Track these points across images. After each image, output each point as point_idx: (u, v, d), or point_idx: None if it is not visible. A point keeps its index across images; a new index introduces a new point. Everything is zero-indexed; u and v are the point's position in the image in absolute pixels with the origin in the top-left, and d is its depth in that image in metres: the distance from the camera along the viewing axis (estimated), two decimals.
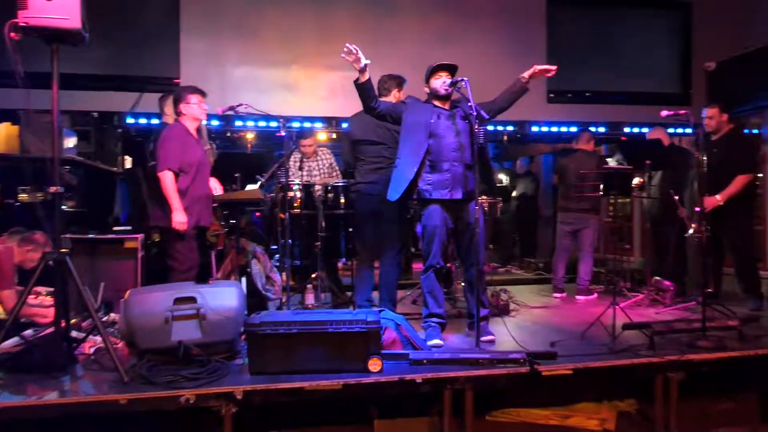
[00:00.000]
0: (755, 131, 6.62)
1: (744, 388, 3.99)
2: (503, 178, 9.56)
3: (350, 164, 4.99)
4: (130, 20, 6.13)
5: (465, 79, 3.84)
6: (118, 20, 6.00)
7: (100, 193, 5.96)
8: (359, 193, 4.72)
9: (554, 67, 4.05)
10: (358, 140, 4.75)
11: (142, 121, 6.17)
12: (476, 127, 3.77)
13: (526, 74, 4.09)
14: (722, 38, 6.83)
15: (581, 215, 5.93)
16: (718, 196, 4.96)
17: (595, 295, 5.94)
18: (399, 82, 4.68)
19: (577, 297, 5.87)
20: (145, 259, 4.80)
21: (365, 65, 3.83)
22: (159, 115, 5.40)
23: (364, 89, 3.95)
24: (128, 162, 6.92)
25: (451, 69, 4.11)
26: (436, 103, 4.12)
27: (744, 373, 3.94)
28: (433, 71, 4.11)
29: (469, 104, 3.77)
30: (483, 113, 3.74)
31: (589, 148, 6.10)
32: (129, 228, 5.60)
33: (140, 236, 4.71)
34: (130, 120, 6.16)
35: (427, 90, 4.19)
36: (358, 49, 3.77)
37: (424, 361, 3.43)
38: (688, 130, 7.03)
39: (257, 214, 7.00)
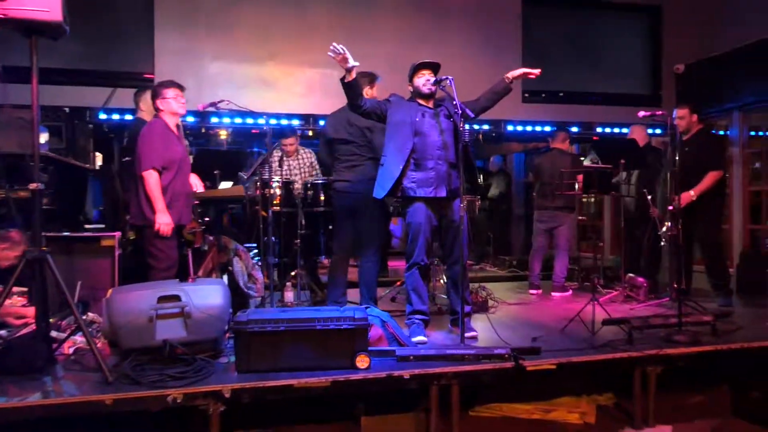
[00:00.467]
0: (722, 133, 6.82)
1: (716, 382, 4.13)
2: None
3: (326, 163, 5.01)
4: (103, 14, 6.03)
5: (450, 77, 3.87)
6: (91, 14, 5.88)
7: (72, 191, 5.82)
8: (335, 191, 4.75)
9: (538, 71, 4.11)
10: (332, 139, 4.79)
11: (115, 116, 6.07)
12: (461, 125, 3.80)
13: (510, 75, 4.14)
14: (691, 41, 7.02)
15: (556, 213, 6.03)
16: (691, 192, 5.08)
17: (570, 291, 6.05)
18: (371, 79, 4.70)
19: (553, 294, 5.97)
20: (122, 257, 4.71)
21: (353, 66, 3.83)
22: (133, 111, 5.32)
23: (351, 88, 3.95)
24: (99, 158, 6.80)
25: (434, 67, 4.15)
26: (420, 101, 4.15)
27: (717, 367, 4.07)
28: (415, 69, 4.14)
29: (454, 102, 3.80)
30: (468, 111, 3.78)
31: (565, 147, 6.20)
32: (102, 226, 5.50)
33: (117, 234, 4.63)
34: (102, 116, 6.05)
35: (411, 88, 4.21)
36: (345, 49, 3.77)
37: (411, 358, 3.45)
38: (658, 131, 7.20)
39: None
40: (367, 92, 4.63)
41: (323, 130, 5.06)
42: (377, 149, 4.45)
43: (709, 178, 5.11)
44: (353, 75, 3.89)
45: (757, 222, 6.62)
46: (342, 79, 3.92)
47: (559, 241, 6.07)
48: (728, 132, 6.83)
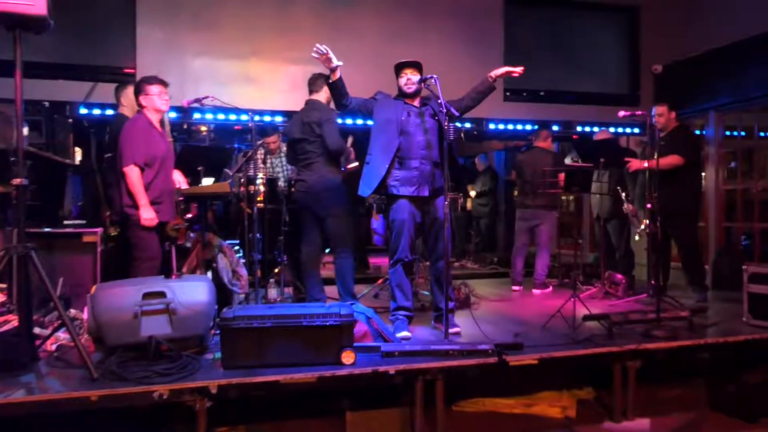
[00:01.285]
0: (698, 132, 6.95)
1: (693, 376, 4.22)
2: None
3: (291, 165, 5.08)
4: (84, 7, 5.94)
5: (434, 76, 3.90)
6: (72, 7, 5.79)
7: (51, 186, 5.76)
8: (297, 190, 4.81)
9: (521, 69, 4.16)
10: (289, 141, 4.87)
11: (96, 111, 5.98)
12: (446, 124, 3.83)
13: (493, 73, 4.19)
14: (669, 42, 7.13)
15: (538, 211, 6.11)
16: (645, 163, 5.12)
17: (551, 288, 6.13)
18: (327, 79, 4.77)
19: (534, 290, 6.05)
20: (103, 253, 4.68)
21: (336, 66, 3.85)
22: (113, 106, 5.27)
23: (335, 87, 3.98)
24: (79, 154, 6.72)
25: (418, 66, 4.18)
26: (406, 99, 4.18)
27: (693, 361, 4.17)
28: (398, 68, 4.17)
29: (439, 101, 3.84)
30: (453, 110, 3.82)
31: (547, 145, 6.28)
32: (83, 222, 5.43)
33: (99, 230, 4.59)
34: (83, 110, 5.97)
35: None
36: (328, 49, 3.78)
37: (396, 353, 3.49)
38: (636, 130, 7.32)
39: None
40: (327, 91, 4.65)
41: (285, 134, 5.18)
42: (329, 144, 4.52)
43: (671, 158, 5.14)
44: (337, 75, 3.91)
45: (731, 220, 6.77)
46: (326, 79, 3.93)
47: (541, 239, 6.15)
48: (704, 132, 6.97)
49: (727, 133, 6.89)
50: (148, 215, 3.92)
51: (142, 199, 3.93)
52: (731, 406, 4.05)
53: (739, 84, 6.36)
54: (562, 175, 5.35)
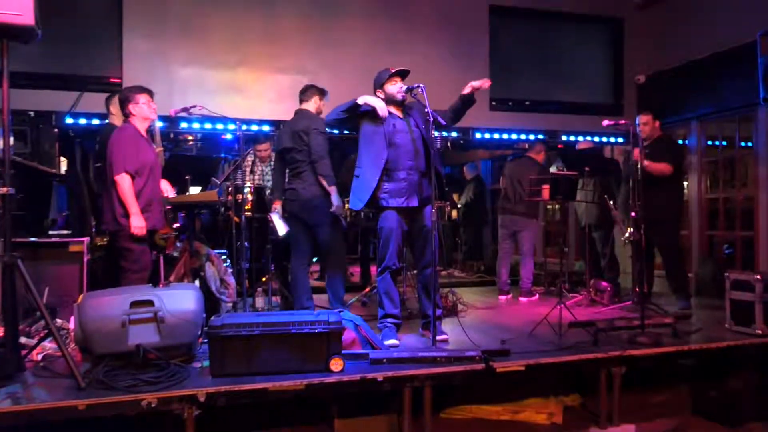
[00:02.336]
0: (681, 141, 7.06)
1: (677, 382, 4.28)
2: None
3: (273, 178, 5.11)
4: (70, 17, 5.93)
5: (422, 85, 3.94)
6: (57, 16, 5.78)
7: (36, 196, 5.73)
8: (286, 199, 4.84)
9: (488, 82, 4.19)
10: (279, 151, 4.90)
11: (82, 121, 5.96)
12: (432, 133, 3.87)
13: (464, 91, 4.20)
14: (652, 53, 7.26)
15: (517, 218, 6.19)
16: (645, 162, 5.14)
17: (537, 296, 6.18)
18: (321, 92, 4.90)
19: (521, 298, 6.10)
20: (90, 263, 4.66)
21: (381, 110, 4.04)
22: (99, 115, 5.27)
23: (357, 110, 4.11)
24: (64, 163, 6.69)
25: (404, 74, 4.23)
26: (392, 109, 4.21)
27: (677, 367, 4.23)
28: (389, 77, 4.20)
29: (426, 110, 3.88)
30: (440, 119, 3.86)
31: (539, 158, 6.36)
32: (68, 232, 5.41)
33: (86, 240, 4.58)
34: (69, 120, 5.95)
35: (381, 95, 4.26)
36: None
37: (384, 360, 3.50)
38: (620, 139, 7.41)
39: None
40: (316, 101, 4.83)
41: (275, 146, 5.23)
42: (312, 152, 4.56)
43: (661, 165, 5.20)
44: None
45: (714, 228, 6.86)
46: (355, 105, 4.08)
47: (523, 247, 6.21)
48: (687, 141, 7.07)
49: (709, 142, 7.00)
50: (138, 223, 3.92)
51: (133, 207, 3.94)
52: (714, 411, 4.12)
53: (719, 94, 6.48)
54: (546, 187, 5.41)
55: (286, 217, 4.80)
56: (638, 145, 4.66)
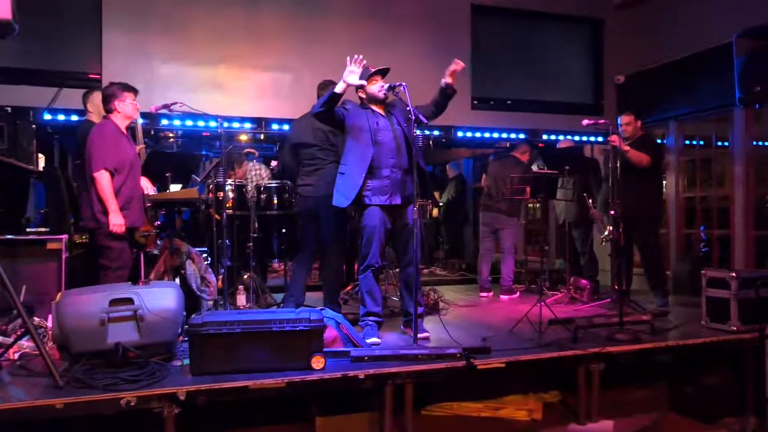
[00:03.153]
0: (659, 141, 7.14)
1: (655, 378, 4.34)
2: None
3: (287, 167, 5.04)
4: (48, 11, 5.86)
5: (403, 83, 3.95)
6: (35, 10, 5.72)
7: (14, 193, 5.65)
8: (299, 195, 4.85)
9: (462, 64, 4.14)
10: (295, 144, 4.87)
11: (60, 117, 5.89)
12: (415, 130, 3.88)
13: (443, 81, 4.17)
14: (631, 54, 7.34)
15: (498, 216, 6.24)
16: (625, 147, 5.09)
17: (518, 293, 6.22)
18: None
19: (501, 296, 6.14)
20: (69, 261, 4.61)
21: (358, 84, 3.95)
22: (78, 112, 5.20)
23: (337, 99, 4.02)
24: (42, 160, 6.60)
25: (384, 73, 4.23)
26: (374, 107, 4.22)
27: (655, 363, 4.29)
28: (370, 76, 4.20)
29: (408, 108, 3.89)
30: (422, 117, 3.87)
31: (523, 158, 6.41)
32: (46, 229, 5.34)
33: (64, 237, 4.52)
34: (47, 116, 5.87)
35: (362, 95, 4.26)
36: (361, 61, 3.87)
37: (366, 358, 3.51)
38: (600, 139, 7.49)
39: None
40: None
41: (288, 137, 5.16)
42: (341, 152, 4.50)
43: (641, 154, 5.18)
44: (346, 89, 3.95)
45: (691, 227, 6.96)
46: (333, 91, 3.95)
47: (504, 245, 6.25)
48: (665, 141, 7.16)
49: (687, 142, 7.10)
50: (116, 221, 3.89)
51: (112, 204, 3.91)
52: (690, 407, 4.18)
53: (696, 95, 6.57)
54: (528, 188, 5.45)
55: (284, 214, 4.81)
56: (618, 132, 4.65)
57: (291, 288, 4.93)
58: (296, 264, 4.96)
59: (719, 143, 6.70)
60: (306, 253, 4.88)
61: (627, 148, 5.01)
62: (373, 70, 4.18)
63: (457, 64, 4.09)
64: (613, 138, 4.73)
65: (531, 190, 5.45)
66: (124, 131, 4.18)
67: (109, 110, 4.13)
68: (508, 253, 6.24)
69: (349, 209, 4.32)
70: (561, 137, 7.32)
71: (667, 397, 4.33)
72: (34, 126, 5.99)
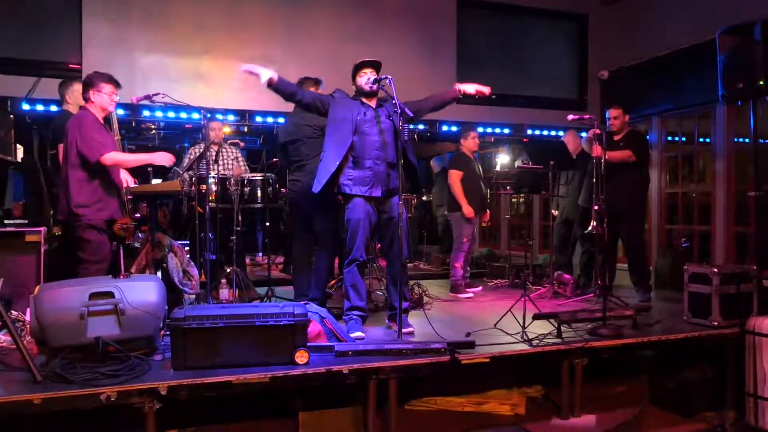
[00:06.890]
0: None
1: (636, 373, 4.38)
2: None
3: (282, 166, 5.18)
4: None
5: (389, 77, 3.93)
6: None
7: None
8: (289, 190, 4.91)
9: (488, 89, 4.38)
10: (284, 143, 4.91)
11: (39, 107, 5.79)
12: (400, 125, 3.86)
13: (463, 88, 4.34)
14: (615, 49, 7.37)
15: (447, 212, 6.23)
16: (608, 155, 5.02)
17: (470, 293, 6.01)
18: (316, 82, 4.90)
19: (450, 293, 5.98)
20: (48, 253, 4.53)
21: (268, 78, 3.97)
22: (58, 102, 5.11)
23: (276, 90, 4.09)
24: (21, 151, 6.48)
25: (376, 66, 4.21)
26: (364, 99, 4.19)
27: (637, 358, 4.32)
28: (357, 68, 4.18)
29: (394, 102, 3.86)
30: (408, 111, 3.84)
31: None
32: (25, 221, 5.24)
33: (43, 229, 4.44)
34: (25, 106, 5.77)
35: (354, 87, 4.26)
36: (251, 68, 3.96)
37: (350, 353, 3.49)
38: (583, 134, 7.51)
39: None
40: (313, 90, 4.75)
41: (277, 136, 5.25)
42: None
43: (622, 153, 5.26)
44: (275, 81, 4.01)
45: (673, 222, 7.02)
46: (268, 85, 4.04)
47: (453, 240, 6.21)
48: (648, 136, 7.20)
49: (669, 138, 7.15)
50: (162, 158, 4.18)
51: (142, 156, 4.19)
52: (670, 401, 4.22)
53: (679, 91, 6.62)
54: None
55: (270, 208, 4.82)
56: (601, 142, 4.69)
57: (296, 285, 4.96)
58: (294, 257, 5.04)
59: (701, 139, 6.76)
60: (300, 244, 4.94)
61: (609, 154, 5.00)
62: (359, 62, 4.17)
63: (486, 89, 4.38)
64: (596, 149, 4.76)
65: (515, 184, 5.44)
66: (102, 122, 4.11)
67: (85, 99, 4.05)
68: (456, 249, 6.08)
69: (341, 202, 4.32)
70: (545, 132, 7.35)
71: (648, 391, 4.36)
72: (12, 116, 5.87)
